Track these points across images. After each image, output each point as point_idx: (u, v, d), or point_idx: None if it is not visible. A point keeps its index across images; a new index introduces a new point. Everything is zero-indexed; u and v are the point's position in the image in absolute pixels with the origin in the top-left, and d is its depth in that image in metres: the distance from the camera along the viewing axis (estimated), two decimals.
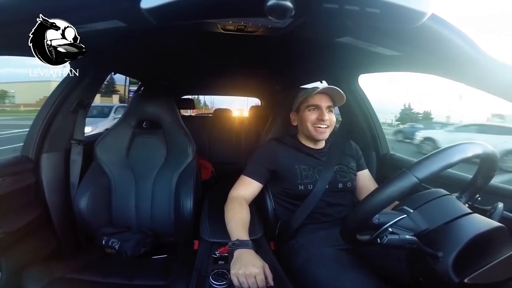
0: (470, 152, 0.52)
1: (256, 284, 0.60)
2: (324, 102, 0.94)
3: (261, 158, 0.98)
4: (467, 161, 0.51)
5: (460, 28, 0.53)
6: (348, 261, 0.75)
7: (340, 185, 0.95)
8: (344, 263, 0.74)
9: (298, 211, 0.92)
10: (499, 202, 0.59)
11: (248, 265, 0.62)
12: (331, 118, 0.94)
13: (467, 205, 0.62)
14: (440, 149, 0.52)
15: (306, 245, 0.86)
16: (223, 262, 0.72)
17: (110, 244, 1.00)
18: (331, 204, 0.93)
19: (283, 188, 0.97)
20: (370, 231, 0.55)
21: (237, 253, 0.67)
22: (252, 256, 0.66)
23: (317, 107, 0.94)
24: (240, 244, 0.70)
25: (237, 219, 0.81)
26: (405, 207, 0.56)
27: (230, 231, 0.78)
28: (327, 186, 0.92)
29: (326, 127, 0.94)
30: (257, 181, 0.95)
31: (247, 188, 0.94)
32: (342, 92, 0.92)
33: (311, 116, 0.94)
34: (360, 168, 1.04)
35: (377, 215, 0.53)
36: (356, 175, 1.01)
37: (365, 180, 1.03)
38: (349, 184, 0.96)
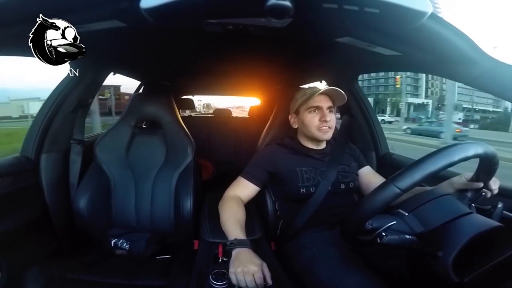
0: (456, 156, 0.51)
1: (254, 281, 0.60)
2: (325, 103, 0.93)
3: (260, 161, 0.98)
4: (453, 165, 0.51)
5: (459, 27, 0.53)
6: (351, 261, 0.74)
7: (343, 186, 0.94)
8: (347, 263, 0.74)
9: (301, 212, 0.91)
10: (499, 202, 0.59)
11: (246, 263, 0.62)
12: (332, 118, 0.94)
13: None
14: (424, 156, 0.52)
15: (309, 245, 0.86)
16: (226, 259, 0.71)
17: (119, 245, 0.99)
18: (334, 205, 0.92)
19: (284, 191, 0.96)
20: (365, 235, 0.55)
21: (235, 252, 0.67)
22: (251, 255, 0.66)
23: (318, 108, 0.94)
24: (238, 243, 0.70)
25: (234, 219, 0.81)
26: (400, 210, 0.56)
27: (227, 231, 0.78)
28: (329, 188, 0.91)
29: (329, 128, 0.93)
30: (254, 183, 0.94)
31: (243, 189, 0.94)
32: (343, 92, 0.92)
33: (314, 118, 0.94)
34: (361, 165, 1.03)
35: (370, 220, 0.53)
36: (358, 175, 1.01)
37: (369, 176, 1.02)
38: (351, 185, 0.95)
